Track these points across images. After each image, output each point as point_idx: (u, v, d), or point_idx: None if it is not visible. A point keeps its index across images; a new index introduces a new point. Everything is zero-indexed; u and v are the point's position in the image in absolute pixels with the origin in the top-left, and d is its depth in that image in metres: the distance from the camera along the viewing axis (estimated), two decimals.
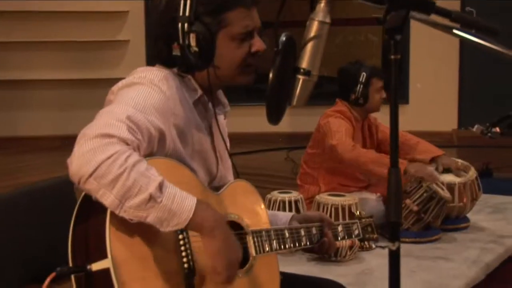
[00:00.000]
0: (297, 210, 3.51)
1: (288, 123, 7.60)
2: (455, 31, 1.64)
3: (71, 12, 7.84)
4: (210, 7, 1.80)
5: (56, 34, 7.87)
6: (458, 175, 3.96)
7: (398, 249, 1.44)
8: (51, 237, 2.01)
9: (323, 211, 3.42)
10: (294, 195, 3.60)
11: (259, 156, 7.56)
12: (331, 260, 3.39)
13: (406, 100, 8.22)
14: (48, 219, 2.08)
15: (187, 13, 1.76)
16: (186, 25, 1.76)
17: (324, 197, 3.50)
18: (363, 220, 2.31)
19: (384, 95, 4.01)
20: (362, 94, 3.94)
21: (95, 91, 7.26)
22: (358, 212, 2.36)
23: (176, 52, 1.79)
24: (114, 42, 8.02)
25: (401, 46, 1.41)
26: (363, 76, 3.93)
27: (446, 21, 1.61)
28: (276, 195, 3.59)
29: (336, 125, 3.88)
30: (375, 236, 2.34)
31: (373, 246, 3.55)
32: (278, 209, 3.49)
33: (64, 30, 7.89)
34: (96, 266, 1.57)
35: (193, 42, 1.77)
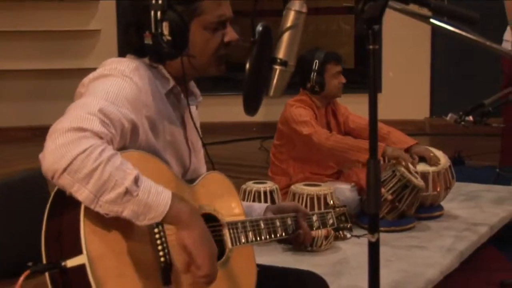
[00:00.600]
0: (272, 200, 3.50)
1: (262, 113, 7.51)
2: (432, 20, 1.64)
3: (41, 1, 7.73)
4: None
5: (26, 24, 7.76)
6: (432, 164, 3.98)
7: (378, 240, 1.44)
8: (24, 231, 1.98)
9: (298, 201, 3.41)
10: (269, 185, 3.59)
11: (233, 146, 7.55)
12: (307, 250, 3.38)
13: (379, 89, 8.24)
14: (21, 212, 2.05)
15: (160, 1, 1.73)
16: (159, 13, 1.73)
17: (300, 187, 3.50)
18: (337, 209, 2.32)
19: (343, 79, 3.98)
20: (317, 81, 3.90)
21: (66, 81, 7.18)
22: (332, 201, 2.36)
23: (148, 40, 1.76)
24: (85, 32, 7.93)
25: (377, 36, 1.40)
26: (316, 63, 3.90)
27: (423, 11, 1.61)
28: (251, 185, 3.58)
29: (299, 114, 3.86)
30: (349, 225, 2.35)
31: (348, 236, 3.56)
32: (253, 200, 3.47)
33: (34, 20, 7.79)
34: (71, 263, 1.55)
35: (165, 31, 1.74)
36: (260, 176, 4.12)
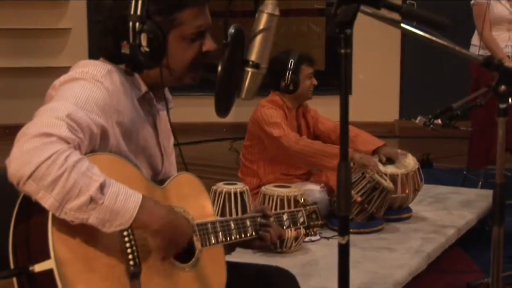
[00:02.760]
0: (243, 202, 3.50)
1: (232, 114, 7.50)
2: (402, 25, 1.66)
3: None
4: (162, 6, 1.76)
5: None
6: (400, 165, 4.01)
7: (348, 242, 1.45)
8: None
9: (268, 202, 3.42)
10: (239, 186, 3.59)
11: (203, 146, 7.54)
12: (277, 252, 3.39)
13: (349, 91, 8.29)
14: None
15: (138, 12, 1.71)
16: (137, 24, 1.71)
17: (270, 189, 3.50)
18: (308, 207, 2.33)
19: (315, 82, 4.03)
20: (292, 80, 3.93)
21: (36, 80, 7.12)
22: (302, 199, 2.36)
23: (126, 50, 1.74)
24: (55, 30, 7.86)
25: (350, 40, 1.42)
26: (291, 62, 3.93)
27: (393, 15, 1.63)
28: (221, 186, 3.57)
29: (270, 115, 3.88)
30: (320, 222, 2.35)
31: (318, 236, 3.58)
32: (224, 201, 3.47)
33: (3, 17, 7.70)
34: (39, 267, 1.54)
35: (144, 42, 1.72)
36: (230, 177, 4.12)
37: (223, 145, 7.39)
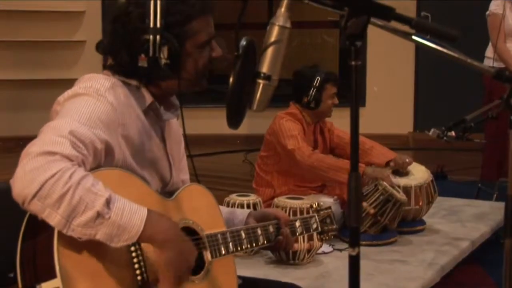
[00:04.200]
0: None
1: (246, 125, 7.59)
2: (414, 37, 1.66)
3: (27, 11, 7.70)
4: (178, 17, 1.78)
5: (11, 34, 7.73)
6: (413, 177, 4.00)
7: (358, 254, 1.45)
8: (3, 242, 1.97)
9: None
10: (252, 198, 3.60)
11: (217, 158, 7.55)
12: (289, 263, 3.39)
13: (363, 103, 8.28)
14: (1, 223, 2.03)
15: (158, 25, 1.74)
16: (158, 37, 1.74)
17: (283, 200, 3.51)
18: (321, 212, 2.30)
19: (336, 101, 4.03)
20: (315, 98, 3.94)
21: (51, 92, 7.10)
22: (316, 203, 2.33)
23: (143, 63, 1.75)
24: (70, 43, 7.91)
25: (359, 52, 1.42)
26: (317, 80, 3.93)
27: (405, 28, 1.63)
28: (234, 198, 3.58)
29: (288, 128, 3.89)
30: (335, 226, 2.33)
31: (331, 248, 3.58)
32: None
33: (19, 30, 7.75)
34: (46, 286, 1.54)
35: (164, 54, 1.75)
36: (244, 189, 4.12)
37: (237, 157, 7.40)
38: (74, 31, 7.97)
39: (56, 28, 7.87)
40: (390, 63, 8.21)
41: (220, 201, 3.53)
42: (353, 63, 1.42)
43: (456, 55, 1.65)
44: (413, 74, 8.35)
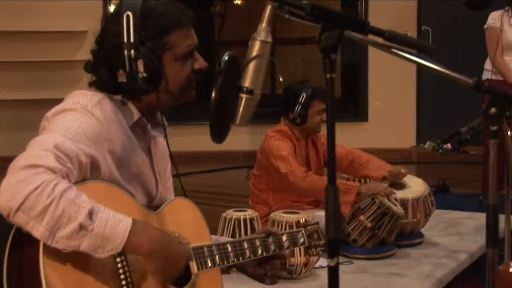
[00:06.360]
0: (253, 228, 3.51)
1: (248, 142, 7.62)
2: (393, 50, 1.67)
3: (29, 32, 7.78)
4: (153, 31, 1.80)
5: (13, 54, 7.80)
6: (410, 190, 4.00)
7: (337, 265, 1.46)
8: None
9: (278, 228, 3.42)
10: (249, 213, 3.60)
11: (219, 174, 7.55)
12: (286, 278, 3.38)
13: (365, 118, 8.30)
14: None
15: (131, 39, 1.76)
16: (132, 51, 1.76)
17: (279, 215, 3.51)
18: (309, 227, 2.32)
19: (325, 117, 4.02)
20: (300, 114, 3.92)
21: None
22: (303, 219, 2.34)
23: (122, 79, 1.78)
24: (72, 62, 7.97)
25: (334, 65, 1.44)
26: (303, 96, 3.92)
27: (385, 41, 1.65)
28: (231, 213, 3.59)
29: (278, 147, 3.87)
30: (322, 242, 2.33)
31: (323, 264, 3.57)
32: (234, 227, 3.48)
33: (21, 50, 7.82)
34: None
35: (141, 68, 1.77)
36: (244, 205, 4.12)
37: (240, 173, 7.41)
38: (76, 50, 8.03)
39: (58, 48, 7.93)
40: (392, 78, 8.23)
41: (218, 217, 3.54)
42: (327, 76, 1.44)
43: (435, 66, 1.66)
44: (415, 88, 8.36)
